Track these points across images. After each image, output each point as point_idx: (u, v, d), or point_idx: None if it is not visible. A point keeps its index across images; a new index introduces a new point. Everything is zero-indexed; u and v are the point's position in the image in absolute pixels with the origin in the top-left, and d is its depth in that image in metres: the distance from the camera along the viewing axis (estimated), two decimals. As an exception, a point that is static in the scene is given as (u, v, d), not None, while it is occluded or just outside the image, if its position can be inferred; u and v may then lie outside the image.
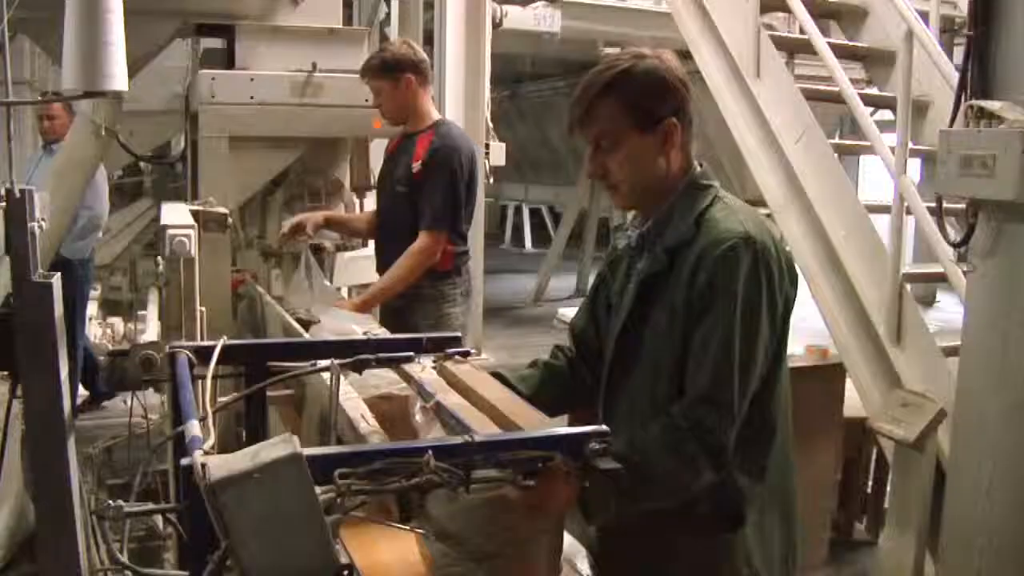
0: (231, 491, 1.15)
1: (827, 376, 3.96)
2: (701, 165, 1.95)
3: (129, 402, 3.16)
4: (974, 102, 2.58)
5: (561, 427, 1.57)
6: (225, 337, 1.93)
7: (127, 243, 8.14)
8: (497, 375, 2.04)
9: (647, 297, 1.89)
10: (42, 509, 2.19)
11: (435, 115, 3.78)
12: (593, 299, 2.15)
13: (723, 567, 1.87)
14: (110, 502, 1.28)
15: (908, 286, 3.49)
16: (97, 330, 6.55)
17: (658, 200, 1.91)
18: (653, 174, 1.88)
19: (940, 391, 3.22)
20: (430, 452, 1.30)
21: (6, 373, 2.27)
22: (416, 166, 3.60)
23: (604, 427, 1.45)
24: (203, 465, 1.18)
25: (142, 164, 8.07)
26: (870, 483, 4.43)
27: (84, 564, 2.23)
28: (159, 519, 3.26)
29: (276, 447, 1.19)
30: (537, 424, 1.62)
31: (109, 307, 8.05)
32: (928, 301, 11.07)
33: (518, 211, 18.90)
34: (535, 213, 18.56)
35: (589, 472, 1.43)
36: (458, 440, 1.36)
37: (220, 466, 1.17)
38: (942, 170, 2.63)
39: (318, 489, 1.22)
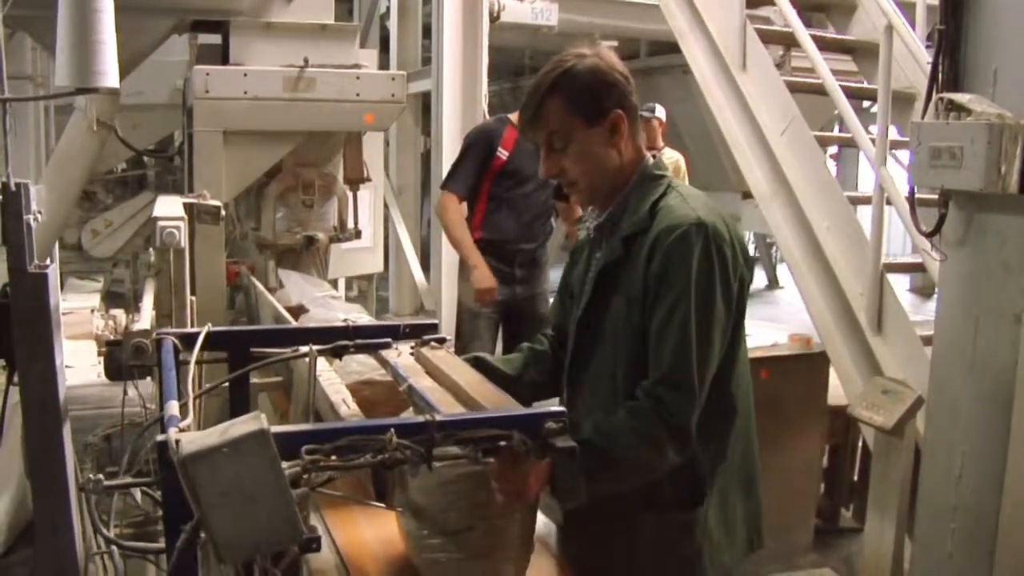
0: (201, 464, 1.22)
1: (811, 364, 4.03)
2: (654, 157, 2.02)
3: (123, 391, 3.20)
4: (944, 94, 2.63)
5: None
6: (210, 324, 2.01)
7: (129, 236, 8.22)
8: (480, 359, 2.12)
9: (605, 285, 1.95)
10: (38, 493, 2.26)
11: None
12: (562, 291, 2.21)
13: (685, 544, 1.93)
14: (91, 476, 1.35)
15: (888, 276, 3.54)
16: (99, 322, 6.61)
17: (614, 193, 1.98)
18: (606, 166, 1.94)
19: (919, 379, 3.26)
20: (392, 430, 1.38)
21: (3, 361, 2.34)
22: None
23: (561, 407, 1.53)
24: (176, 441, 1.26)
25: (145, 157, 8.16)
26: (856, 470, 4.48)
27: (80, 548, 2.30)
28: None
29: (245, 424, 1.27)
30: (502, 406, 1.70)
31: (112, 299, 8.14)
32: (927, 292, 11.10)
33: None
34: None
35: (547, 450, 1.50)
36: (419, 419, 1.43)
37: (192, 441, 1.25)
38: (914, 161, 2.68)
39: (285, 464, 1.29)
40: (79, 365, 6.17)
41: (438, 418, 1.44)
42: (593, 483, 1.74)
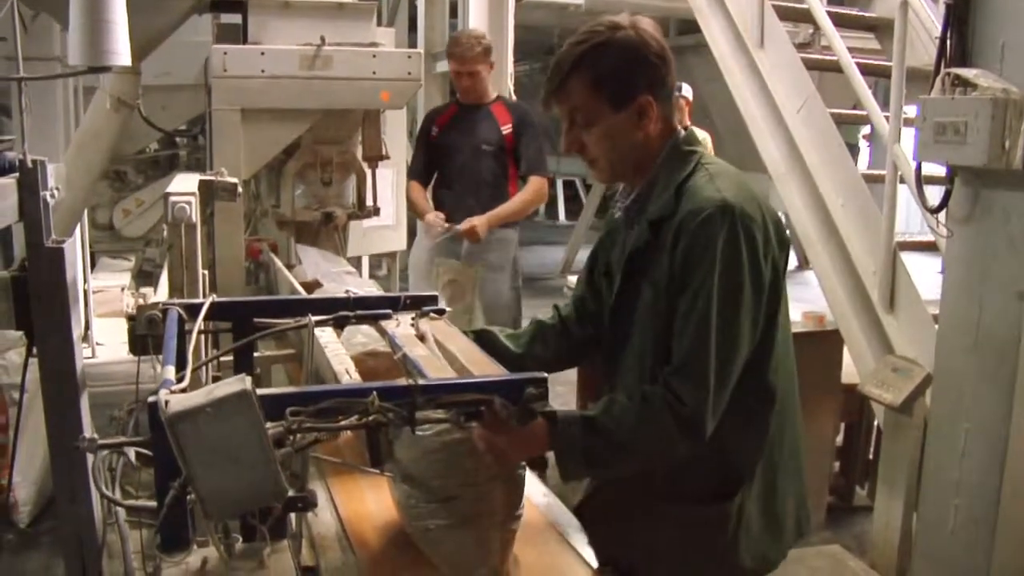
0: (187, 423, 1.28)
1: (824, 342, 4.01)
2: (686, 129, 1.92)
3: (137, 362, 3.29)
4: (952, 70, 2.62)
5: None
6: (214, 295, 2.07)
7: (161, 215, 8.34)
8: (486, 332, 2.13)
9: (635, 271, 1.88)
10: (56, 463, 2.35)
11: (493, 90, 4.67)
12: (591, 267, 2.14)
13: (714, 537, 1.87)
14: (85, 435, 1.42)
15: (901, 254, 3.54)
16: (130, 300, 6.75)
17: (640, 171, 1.88)
18: (630, 149, 1.85)
19: (929, 357, 3.26)
20: (374, 393, 1.43)
21: (22, 333, 2.41)
22: (506, 129, 4.48)
23: (542, 374, 1.57)
24: (165, 402, 1.31)
25: (177, 137, 8.28)
26: (871, 449, 4.47)
27: (99, 516, 2.38)
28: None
29: (229, 385, 1.32)
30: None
31: (144, 278, 8.29)
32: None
33: (552, 183, 18.92)
34: (569, 185, 18.58)
35: (527, 415, 1.54)
36: (402, 383, 1.48)
37: (179, 402, 1.31)
38: (919, 137, 2.68)
39: (269, 425, 1.35)
40: (110, 342, 6.30)
41: (420, 382, 1.48)
42: (593, 462, 1.73)
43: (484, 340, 2.08)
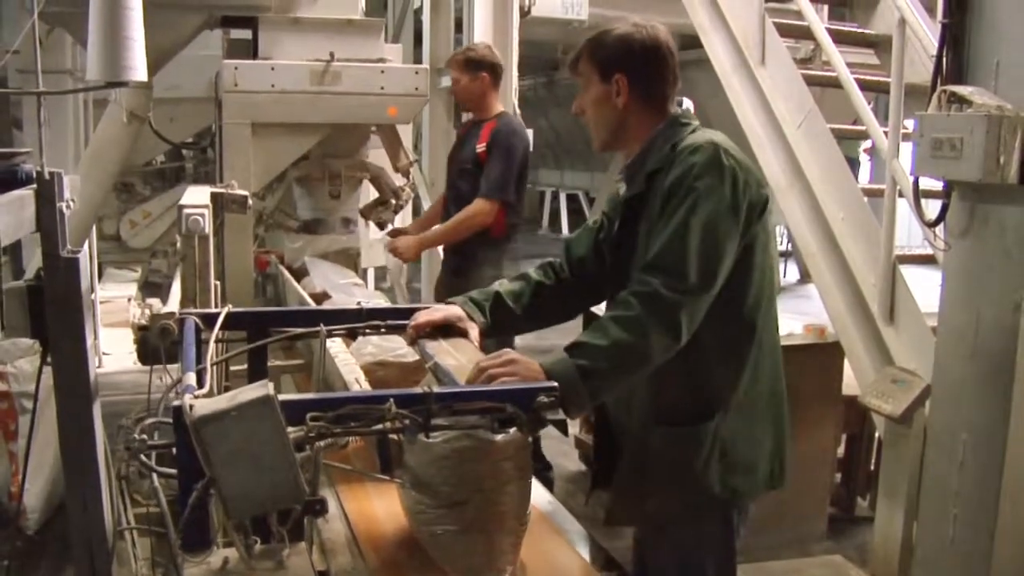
0: (211, 427, 1.34)
1: (825, 354, 4.07)
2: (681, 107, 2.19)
3: (150, 370, 3.32)
4: (948, 87, 2.68)
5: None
6: (229, 305, 2.12)
7: (167, 226, 8.38)
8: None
9: (631, 218, 2.11)
10: (69, 471, 2.39)
11: (499, 108, 4.55)
12: (596, 235, 2.31)
13: (692, 457, 2.03)
14: (136, 436, 1.47)
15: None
16: (136, 310, 6.80)
17: (621, 143, 2.19)
18: (610, 117, 2.15)
19: (929, 368, 3.30)
20: (391, 400, 1.48)
21: (35, 342, 2.45)
22: (481, 147, 4.37)
23: (553, 383, 1.62)
24: (190, 406, 1.37)
25: (184, 149, 8.34)
26: (873, 460, 4.51)
27: (109, 523, 2.42)
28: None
29: (252, 390, 1.38)
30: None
31: (150, 289, 8.32)
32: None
33: (555, 197, 19.01)
34: (572, 199, 18.64)
35: (539, 423, 1.59)
36: (417, 391, 1.53)
37: (203, 406, 1.36)
38: (917, 152, 2.74)
39: (290, 429, 1.40)
40: (116, 352, 6.34)
41: (436, 390, 1.53)
42: (591, 381, 1.82)
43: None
